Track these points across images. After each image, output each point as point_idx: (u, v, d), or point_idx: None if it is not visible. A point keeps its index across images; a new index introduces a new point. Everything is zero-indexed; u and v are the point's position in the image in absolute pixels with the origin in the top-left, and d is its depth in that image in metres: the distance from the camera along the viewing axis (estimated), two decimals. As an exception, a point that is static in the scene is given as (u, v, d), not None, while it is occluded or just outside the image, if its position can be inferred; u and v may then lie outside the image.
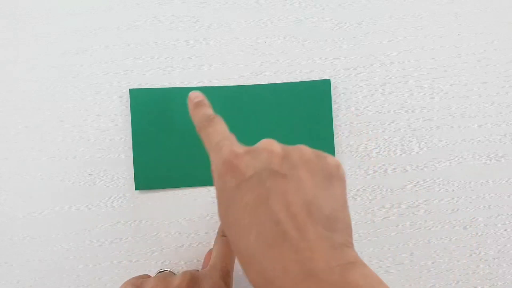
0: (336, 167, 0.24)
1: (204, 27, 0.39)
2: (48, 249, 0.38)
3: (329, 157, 0.25)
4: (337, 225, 0.22)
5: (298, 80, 0.39)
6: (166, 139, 0.38)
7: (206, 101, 0.31)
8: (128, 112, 0.38)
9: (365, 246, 0.39)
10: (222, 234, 0.33)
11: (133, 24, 0.39)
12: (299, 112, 0.38)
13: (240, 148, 0.25)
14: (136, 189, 0.37)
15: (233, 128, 0.38)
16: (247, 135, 0.38)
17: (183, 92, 0.38)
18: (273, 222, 0.21)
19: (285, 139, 0.38)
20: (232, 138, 0.26)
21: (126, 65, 0.38)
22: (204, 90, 0.38)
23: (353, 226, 0.39)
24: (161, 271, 0.32)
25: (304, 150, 0.24)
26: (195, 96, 0.31)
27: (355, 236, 0.39)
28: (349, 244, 0.22)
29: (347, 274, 0.19)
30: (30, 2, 0.39)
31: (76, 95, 0.38)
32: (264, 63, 0.39)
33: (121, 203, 0.38)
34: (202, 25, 0.39)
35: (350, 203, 0.39)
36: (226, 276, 0.30)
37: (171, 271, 0.33)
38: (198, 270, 0.31)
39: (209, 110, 0.30)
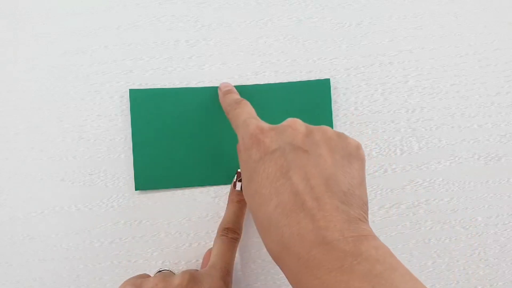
0: (356, 147, 0.25)
1: (204, 27, 0.39)
2: (48, 249, 0.38)
3: (350, 138, 0.26)
4: (353, 200, 0.23)
5: (298, 80, 0.39)
6: (166, 139, 0.38)
7: (234, 89, 0.36)
8: (128, 112, 0.38)
9: (365, 246, 0.39)
10: (222, 234, 0.33)
11: (133, 24, 0.39)
12: (299, 112, 0.38)
13: (265, 124, 0.26)
14: (136, 189, 0.37)
15: (221, 130, 0.38)
16: None
17: (183, 92, 0.38)
18: (292, 192, 0.22)
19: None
20: (258, 117, 0.29)
21: (126, 65, 0.38)
22: (204, 90, 0.38)
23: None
24: (160, 271, 0.33)
25: (326, 130, 0.25)
26: (225, 86, 0.36)
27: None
28: (364, 219, 0.22)
29: (360, 245, 0.20)
30: (30, 2, 0.39)
31: (76, 95, 0.38)
32: (264, 63, 0.39)
33: (121, 203, 0.38)
34: (202, 25, 0.39)
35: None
36: (225, 275, 0.30)
37: (171, 271, 0.33)
38: (197, 270, 0.31)
39: (237, 96, 0.34)
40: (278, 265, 0.23)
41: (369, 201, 0.39)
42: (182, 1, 0.39)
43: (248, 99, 0.38)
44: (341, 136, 0.26)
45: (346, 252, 0.20)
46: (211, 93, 0.38)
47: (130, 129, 0.38)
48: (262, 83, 0.38)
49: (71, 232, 0.38)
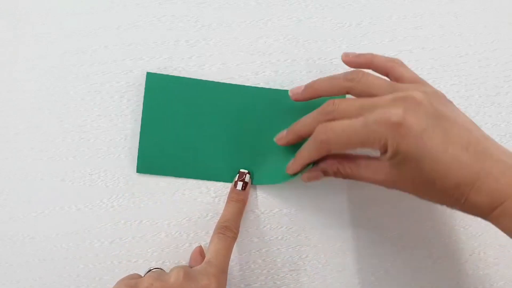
0: (444, 94, 0.31)
1: (204, 27, 0.39)
2: (48, 249, 0.38)
3: (436, 89, 0.31)
4: (480, 129, 0.29)
5: (298, 80, 0.39)
6: (175, 128, 0.37)
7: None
8: (128, 112, 0.38)
9: (365, 246, 0.39)
10: (219, 232, 0.33)
11: (133, 24, 0.39)
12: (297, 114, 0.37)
13: (393, 111, 0.27)
14: (137, 171, 0.37)
15: (230, 128, 0.38)
16: (245, 135, 0.38)
17: (200, 84, 0.38)
18: (463, 149, 0.26)
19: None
20: None
21: (126, 65, 0.38)
22: (222, 86, 0.38)
23: (352, 226, 0.39)
24: (150, 269, 0.33)
25: (434, 92, 0.30)
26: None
27: (354, 236, 0.39)
28: None
29: None
30: (30, 2, 0.39)
31: (76, 95, 0.38)
32: (264, 63, 0.39)
33: (121, 203, 0.38)
34: (202, 25, 0.39)
35: (349, 203, 0.39)
36: (220, 274, 0.30)
37: (162, 269, 0.33)
38: (191, 267, 0.31)
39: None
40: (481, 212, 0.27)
41: (369, 201, 0.39)
42: (182, 1, 0.39)
43: (248, 100, 0.38)
44: (437, 92, 0.30)
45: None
46: (229, 89, 0.38)
47: (131, 129, 0.38)
48: (262, 83, 0.38)
49: (71, 232, 0.38)
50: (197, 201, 0.38)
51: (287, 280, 0.39)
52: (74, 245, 0.38)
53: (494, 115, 0.39)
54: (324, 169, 0.32)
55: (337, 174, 0.32)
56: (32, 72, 0.38)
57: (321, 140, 0.30)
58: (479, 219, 0.39)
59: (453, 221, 0.39)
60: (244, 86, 0.38)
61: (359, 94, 0.31)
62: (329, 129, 0.29)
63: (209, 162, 0.38)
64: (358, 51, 0.39)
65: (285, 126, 0.36)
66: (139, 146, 0.37)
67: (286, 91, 0.37)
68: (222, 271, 0.31)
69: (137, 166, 0.37)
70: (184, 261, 0.38)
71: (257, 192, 0.38)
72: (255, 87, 0.38)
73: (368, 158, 0.31)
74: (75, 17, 0.39)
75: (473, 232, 0.39)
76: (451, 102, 0.30)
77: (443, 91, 0.39)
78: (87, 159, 0.38)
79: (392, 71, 0.32)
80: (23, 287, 0.38)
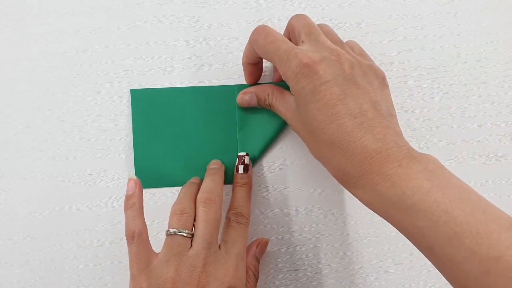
0: (383, 76, 0.31)
1: (204, 27, 0.39)
2: (48, 249, 0.38)
3: (377, 67, 0.31)
4: (393, 120, 0.29)
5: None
6: (167, 139, 0.38)
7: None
8: (128, 112, 0.38)
9: (365, 246, 0.39)
10: (234, 220, 0.33)
11: (133, 24, 0.39)
12: None
13: (313, 54, 0.29)
14: None
15: (220, 129, 0.38)
16: (243, 134, 0.38)
17: (184, 91, 0.38)
18: (351, 116, 0.27)
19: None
20: (290, 42, 0.31)
21: (126, 65, 0.38)
22: (205, 89, 0.38)
23: (352, 225, 0.39)
24: (170, 233, 0.32)
25: (362, 63, 0.30)
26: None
27: (354, 236, 0.39)
28: (402, 134, 0.29)
29: (412, 152, 0.26)
30: (30, 2, 0.39)
31: (76, 95, 0.38)
32: (264, 63, 0.39)
33: (121, 203, 0.38)
34: (202, 25, 0.39)
35: (348, 203, 0.39)
36: (240, 262, 0.32)
37: (181, 234, 0.32)
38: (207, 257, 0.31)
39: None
40: (341, 179, 0.28)
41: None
42: (182, 1, 0.39)
43: (230, 99, 0.38)
44: (372, 67, 0.31)
45: (402, 155, 0.26)
46: (212, 92, 0.38)
47: (130, 129, 0.38)
48: (262, 82, 0.38)
49: (71, 232, 0.38)
50: (197, 201, 0.38)
51: (287, 280, 0.39)
52: (74, 245, 0.38)
53: (494, 115, 0.39)
54: (257, 93, 0.35)
55: (265, 101, 0.34)
56: (32, 72, 0.38)
57: (251, 38, 0.32)
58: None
59: (453, 221, 0.39)
60: (223, 86, 0.38)
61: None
62: (261, 30, 0.32)
63: (204, 166, 0.37)
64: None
65: (271, 115, 0.36)
66: (134, 163, 0.37)
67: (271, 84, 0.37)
68: (241, 259, 0.32)
69: None
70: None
71: (257, 192, 0.38)
72: (239, 85, 0.38)
73: (290, 95, 0.32)
74: (75, 17, 0.39)
75: (473, 232, 0.39)
76: (384, 85, 0.31)
77: (443, 91, 0.39)
78: (87, 159, 0.38)
79: None
80: (23, 287, 0.38)
